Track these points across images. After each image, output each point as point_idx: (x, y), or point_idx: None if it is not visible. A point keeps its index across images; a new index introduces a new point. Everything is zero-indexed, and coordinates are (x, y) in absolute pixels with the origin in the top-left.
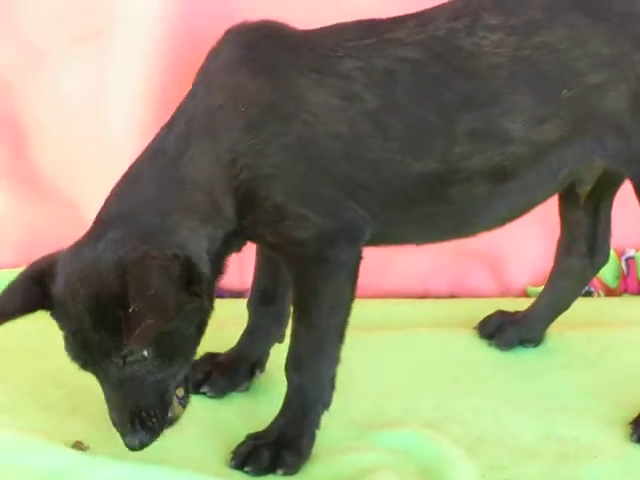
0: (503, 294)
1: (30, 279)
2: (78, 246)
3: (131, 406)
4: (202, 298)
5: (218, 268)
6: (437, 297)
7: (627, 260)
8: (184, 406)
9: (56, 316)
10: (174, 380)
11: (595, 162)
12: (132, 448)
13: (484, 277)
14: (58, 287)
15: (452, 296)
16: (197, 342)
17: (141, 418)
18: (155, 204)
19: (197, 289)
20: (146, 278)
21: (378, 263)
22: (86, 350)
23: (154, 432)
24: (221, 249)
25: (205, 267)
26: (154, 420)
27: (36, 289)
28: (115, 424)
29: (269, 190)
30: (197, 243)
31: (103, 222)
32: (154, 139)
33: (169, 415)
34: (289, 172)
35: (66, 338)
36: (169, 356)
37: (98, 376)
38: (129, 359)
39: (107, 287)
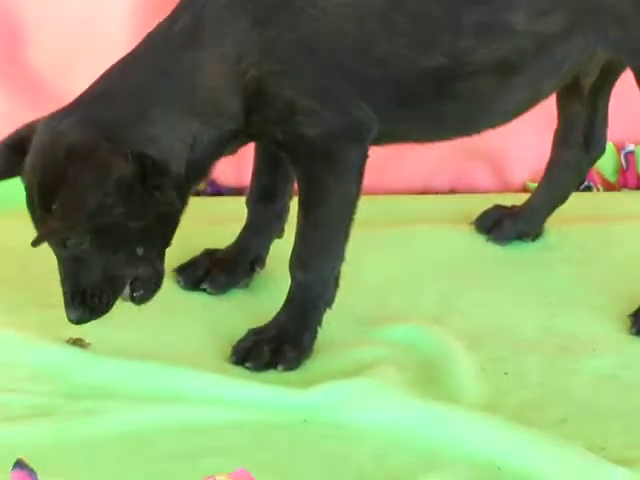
0: (503, 190)
1: (11, 146)
2: (50, 118)
3: (75, 282)
4: (161, 193)
5: (202, 169)
6: (438, 193)
7: (626, 155)
8: (139, 299)
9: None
10: (126, 268)
11: (597, 53)
12: (70, 321)
13: (484, 173)
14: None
15: (453, 192)
16: (158, 237)
17: (84, 295)
18: (139, 92)
19: (155, 183)
20: (76, 176)
21: (380, 161)
22: (36, 222)
23: (93, 312)
24: (213, 149)
25: (178, 164)
26: (96, 301)
27: (16, 156)
28: (63, 295)
29: (279, 86)
30: (174, 139)
31: (81, 99)
32: (154, 30)
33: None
34: (299, 68)
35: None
36: (112, 247)
37: (50, 247)
38: (68, 243)
39: (54, 170)
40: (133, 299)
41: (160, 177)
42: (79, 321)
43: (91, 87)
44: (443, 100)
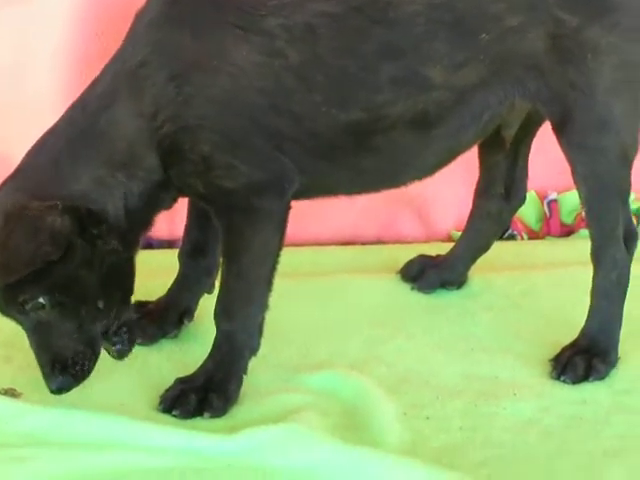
0: (429, 239)
1: None
2: None
3: (49, 351)
4: (104, 241)
5: (142, 219)
6: (364, 243)
7: (549, 203)
8: (119, 353)
9: None
10: (93, 326)
11: (516, 104)
12: (52, 391)
13: (410, 223)
14: None
15: (379, 242)
16: (113, 287)
17: (61, 363)
18: (60, 156)
19: (95, 232)
20: (10, 233)
21: (307, 211)
22: None
23: (75, 378)
24: (147, 200)
25: (114, 213)
26: (78, 367)
27: None
28: (40, 368)
29: (195, 141)
30: (104, 193)
31: (10, 176)
32: (78, 97)
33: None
34: (215, 123)
35: None
36: (72, 303)
37: (16, 322)
38: (27, 306)
39: None
40: (114, 353)
41: (98, 225)
42: (61, 390)
43: (20, 163)
44: (363, 154)
